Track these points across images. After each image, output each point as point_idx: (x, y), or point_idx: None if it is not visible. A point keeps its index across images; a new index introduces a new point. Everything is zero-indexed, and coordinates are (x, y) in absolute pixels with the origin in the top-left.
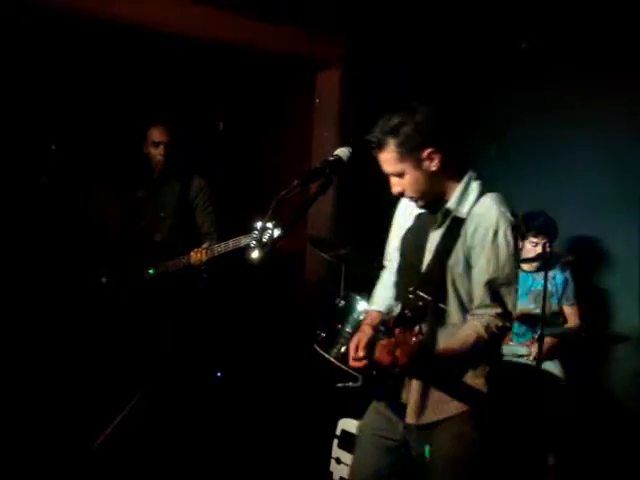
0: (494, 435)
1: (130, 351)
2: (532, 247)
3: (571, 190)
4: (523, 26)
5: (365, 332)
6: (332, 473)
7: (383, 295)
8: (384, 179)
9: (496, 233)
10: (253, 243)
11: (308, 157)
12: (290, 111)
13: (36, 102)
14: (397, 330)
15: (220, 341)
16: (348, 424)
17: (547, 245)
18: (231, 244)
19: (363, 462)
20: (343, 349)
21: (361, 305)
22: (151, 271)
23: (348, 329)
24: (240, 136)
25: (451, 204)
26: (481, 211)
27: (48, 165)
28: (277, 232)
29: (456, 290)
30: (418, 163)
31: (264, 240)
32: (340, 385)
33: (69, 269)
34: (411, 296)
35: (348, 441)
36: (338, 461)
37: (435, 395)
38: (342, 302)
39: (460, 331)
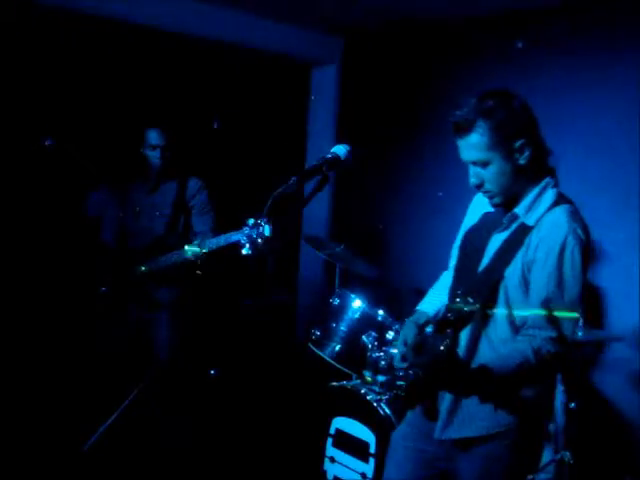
0: (528, 460)
1: (124, 348)
2: None
3: (570, 190)
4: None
5: (409, 328)
6: (325, 472)
7: (435, 295)
8: (380, 177)
9: (563, 250)
10: (244, 239)
11: (303, 155)
12: (285, 108)
13: (33, 102)
14: (424, 333)
15: (214, 339)
16: (342, 423)
17: None
18: (223, 240)
19: (395, 472)
20: (338, 347)
21: (356, 303)
22: (143, 268)
23: (343, 327)
24: (235, 134)
25: (519, 209)
26: (550, 223)
27: (43, 164)
28: (268, 228)
29: (508, 302)
30: (509, 153)
31: (255, 236)
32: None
33: (67, 271)
34: (458, 300)
35: (342, 440)
36: (332, 460)
37: (466, 411)
38: (337, 300)
39: (505, 350)
